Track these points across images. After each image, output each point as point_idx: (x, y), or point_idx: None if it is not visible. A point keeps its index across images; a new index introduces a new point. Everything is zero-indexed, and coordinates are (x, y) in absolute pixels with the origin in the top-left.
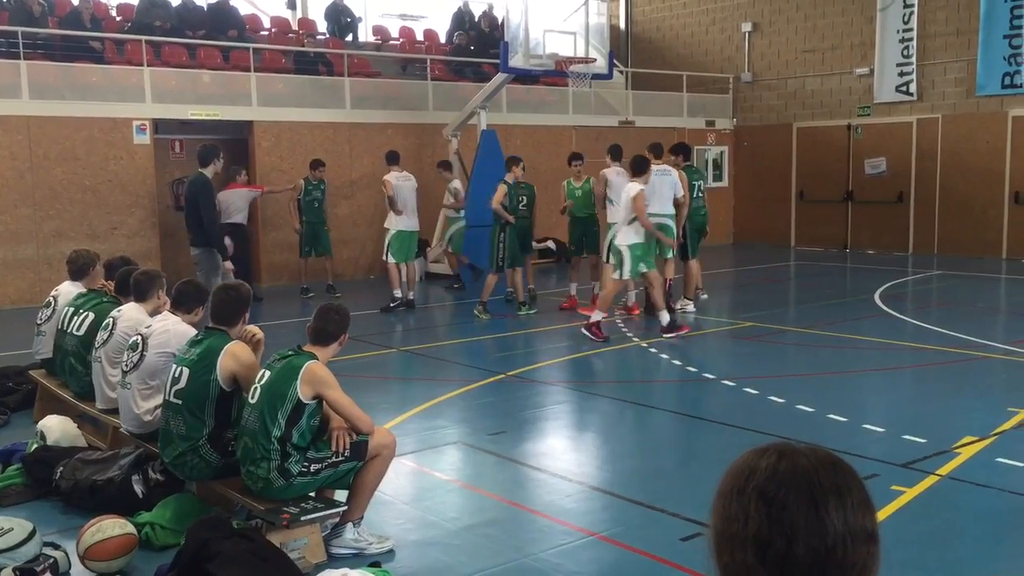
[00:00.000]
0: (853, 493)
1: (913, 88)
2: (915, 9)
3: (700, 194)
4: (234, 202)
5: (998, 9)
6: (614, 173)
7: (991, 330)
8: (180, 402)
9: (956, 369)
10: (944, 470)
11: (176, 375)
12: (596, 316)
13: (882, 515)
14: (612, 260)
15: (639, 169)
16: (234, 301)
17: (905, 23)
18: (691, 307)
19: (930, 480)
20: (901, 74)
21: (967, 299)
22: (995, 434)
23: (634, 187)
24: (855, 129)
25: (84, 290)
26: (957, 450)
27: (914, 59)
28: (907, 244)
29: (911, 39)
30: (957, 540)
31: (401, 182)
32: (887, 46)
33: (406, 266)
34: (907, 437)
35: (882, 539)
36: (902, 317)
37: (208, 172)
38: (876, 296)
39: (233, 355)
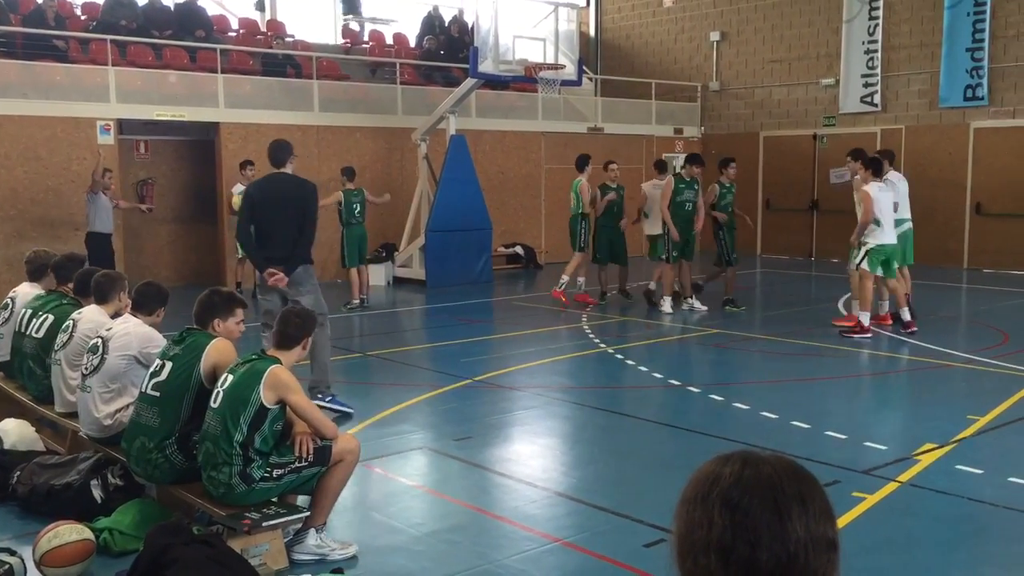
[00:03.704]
0: (816, 501)
1: (877, 99)
2: (880, 21)
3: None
4: (108, 209)
5: (960, 23)
6: (651, 186)
7: (952, 339)
8: (158, 394)
9: (917, 377)
10: (904, 477)
11: (156, 369)
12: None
13: (843, 521)
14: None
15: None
16: (218, 304)
17: (870, 35)
18: (667, 306)
19: (891, 487)
20: (866, 85)
21: (928, 308)
22: (954, 441)
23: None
24: (820, 139)
25: (43, 291)
26: (917, 457)
27: (879, 70)
28: None
29: (876, 51)
30: (916, 546)
31: (649, 189)
32: (852, 57)
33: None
34: (868, 444)
35: (843, 545)
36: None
37: (289, 171)
38: (840, 304)
39: (219, 350)
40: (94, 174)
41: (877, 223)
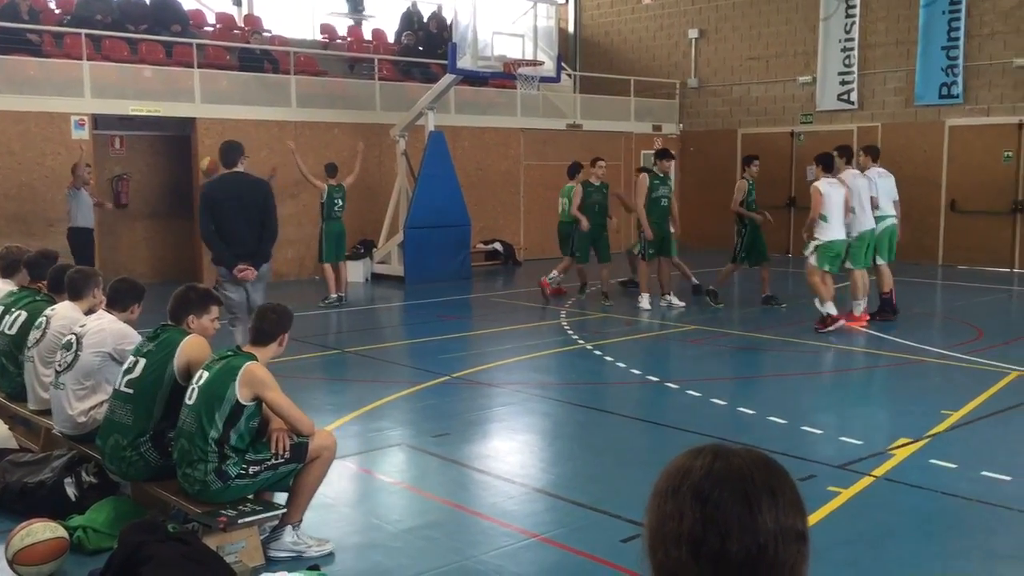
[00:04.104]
0: (785, 493)
1: (854, 97)
2: (856, 19)
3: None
4: (89, 204)
5: (936, 21)
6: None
7: (927, 335)
8: (132, 391)
9: (892, 372)
10: (879, 471)
11: (130, 366)
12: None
13: (819, 515)
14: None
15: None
16: (194, 301)
17: (847, 33)
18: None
19: (866, 481)
20: (843, 82)
21: (903, 304)
22: (928, 436)
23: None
24: (798, 136)
25: (15, 288)
26: (892, 451)
27: (855, 68)
28: None
29: (852, 48)
30: (891, 540)
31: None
32: (829, 55)
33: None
34: (844, 439)
35: (819, 538)
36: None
37: (242, 170)
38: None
39: (192, 346)
40: (76, 169)
41: (825, 219)
